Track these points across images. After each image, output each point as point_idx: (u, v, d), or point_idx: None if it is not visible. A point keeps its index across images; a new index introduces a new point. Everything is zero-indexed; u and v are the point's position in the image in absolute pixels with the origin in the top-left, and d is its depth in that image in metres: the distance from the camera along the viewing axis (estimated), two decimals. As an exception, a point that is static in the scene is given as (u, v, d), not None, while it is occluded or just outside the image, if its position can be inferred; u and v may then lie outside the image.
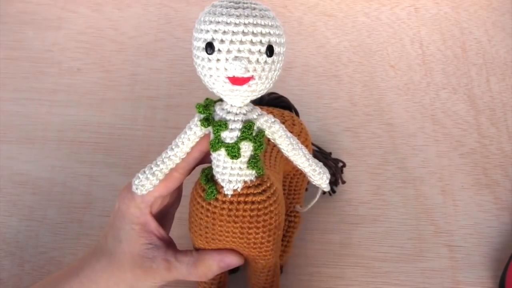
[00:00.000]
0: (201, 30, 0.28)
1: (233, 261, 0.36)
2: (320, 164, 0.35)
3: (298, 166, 0.35)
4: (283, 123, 0.43)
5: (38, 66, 0.60)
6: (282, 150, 0.34)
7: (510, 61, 0.63)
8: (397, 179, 0.54)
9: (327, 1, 0.68)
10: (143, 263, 0.35)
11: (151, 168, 0.33)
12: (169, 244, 0.37)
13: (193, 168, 0.35)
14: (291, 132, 0.43)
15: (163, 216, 0.38)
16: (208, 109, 0.31)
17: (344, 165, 0.53)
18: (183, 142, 0.32)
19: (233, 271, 0.46)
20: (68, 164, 0.54)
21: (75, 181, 0.53)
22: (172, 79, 0.60)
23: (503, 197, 0.54)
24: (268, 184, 0.33)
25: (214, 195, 0.33)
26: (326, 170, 0.35)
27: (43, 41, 0.62)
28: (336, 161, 0.53)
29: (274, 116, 0.44)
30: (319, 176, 0.35)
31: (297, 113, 0.50)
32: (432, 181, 0.54)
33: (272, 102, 0.48)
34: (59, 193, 0.52)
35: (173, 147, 0.32)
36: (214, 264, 0.36)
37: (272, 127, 0.32)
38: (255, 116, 0.31)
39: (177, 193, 0.38)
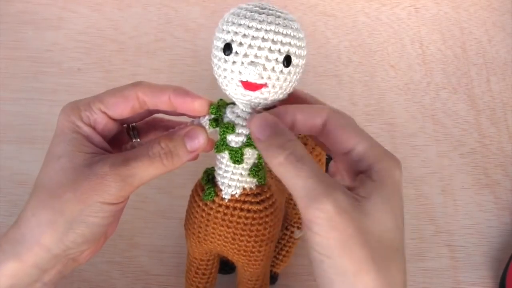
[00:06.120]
0: (222, 30, 0.28)
1: (200, 138, 0.30)
2: None
3: None
4: None
5: (38, 66, 0.60)
6: None
7: (510, 61, 0.63)
8: (397, 179, 0.54)
9: (327, 1, 0.68)
10: (90, 171, 0.29)
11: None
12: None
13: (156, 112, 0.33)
14: (305, 145, 0.43)
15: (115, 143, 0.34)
16: (220, 110, 0.31)
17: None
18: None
19: (225, 272, 0.46)
20: (68, 164, 0.54)
21: (75, 181, 0.53)
22: (172, 79, 0.60)
23: (504, 197, 0.54)
24: (268, 195, 0.33)
25: (211, 197, 0.32)
26: None
27: (43, 41, 0.62)
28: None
29: None
30: None
31: None
32: (432, 181, 0.54)
33: None
34: (59, 193, 0.52)
35: None
36: (181, 133, 0.30)
37: None
38: None
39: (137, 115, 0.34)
